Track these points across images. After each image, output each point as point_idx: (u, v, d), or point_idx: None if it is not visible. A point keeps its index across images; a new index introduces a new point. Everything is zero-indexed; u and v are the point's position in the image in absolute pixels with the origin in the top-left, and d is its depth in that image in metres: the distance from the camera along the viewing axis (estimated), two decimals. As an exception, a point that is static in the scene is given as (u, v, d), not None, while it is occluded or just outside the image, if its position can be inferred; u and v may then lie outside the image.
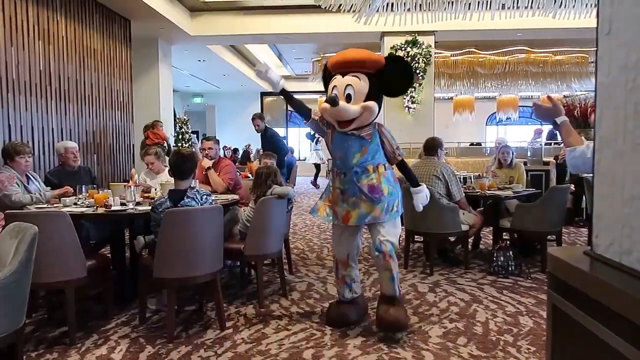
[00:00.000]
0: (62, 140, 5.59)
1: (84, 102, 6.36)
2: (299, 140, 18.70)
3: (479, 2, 6.14)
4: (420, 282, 4.20)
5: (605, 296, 1.09)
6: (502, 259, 4.34)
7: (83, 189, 3.94)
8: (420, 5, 6.32)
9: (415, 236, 4.89)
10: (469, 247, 4.83)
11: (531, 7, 6.20)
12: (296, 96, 3.47)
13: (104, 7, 6.93)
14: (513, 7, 6.32)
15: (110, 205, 3.43)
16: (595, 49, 1.31)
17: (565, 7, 6.11)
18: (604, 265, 1.20)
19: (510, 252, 4.37)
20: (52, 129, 5.68)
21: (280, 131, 16.50)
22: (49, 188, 4.04)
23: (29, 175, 3.97)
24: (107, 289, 3.37)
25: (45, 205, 3.65)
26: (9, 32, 4.98)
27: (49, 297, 3.46)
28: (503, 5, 6.16)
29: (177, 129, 9.69)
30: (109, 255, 4.22)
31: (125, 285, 3.76)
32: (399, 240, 5.62)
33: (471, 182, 5.20)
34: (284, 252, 4.27)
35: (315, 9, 7.49)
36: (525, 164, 6.72)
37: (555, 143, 9.58)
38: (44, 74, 5.54)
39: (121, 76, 7.43)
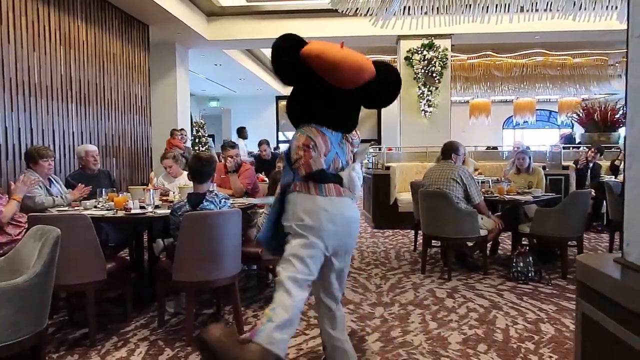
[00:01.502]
0: (82, 143, 5.66)
1: (103, 106, 6.44)
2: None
3: (496, 5, 6.09)
4: (438, 287, 4.16)
5: (637, 305, 1.07)
6: (521, 264, 4.28)
7: (103, 192, 3.99)
8: (437, 8, 6.29)
9: (433, 241, 4.84)
10: (488, 252, 4.77)
11: (550, 10, 6.12)
12: None
13: (123, 12, 7.02)
14: (531, 10, 6.26)
15: (130, 209, 3.46)
16: (626, 50, 1.28)
17: (585, 9, 6.02)
18: (636, 273, 1.18)
19: (530, 258, 4.31)
20: (73, 132, 5.76)
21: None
22: (70, 191, 4.10)
23: (51, 178, 4.03)
24: (127, 291, 3.40)
25: (66, 208, 3.70)
26: (31, 37, 5.07)
27: (70, 299, 3.49)
28: (521, 7, 6.10)
29: (194, 133, 9.76)
30: (128, 257, 4.26)
31: (143, 288, 3.79)
32: (415, 244, 5.62)
33: (489, 187, 5.14)
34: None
35: (331, 12, 7.49)
36: (544, 168, 6.64)
37: (574, 147, 9.45)
38: (65, 79, 5.63)
39: (139, 80, 7.51)
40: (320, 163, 2.24)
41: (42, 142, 5.12)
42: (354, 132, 2.44)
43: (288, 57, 2.20)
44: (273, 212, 2.32)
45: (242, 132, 11.25)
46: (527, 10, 6.22)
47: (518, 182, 5.15)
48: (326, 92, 2.23)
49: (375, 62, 2.28)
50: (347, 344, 2.40)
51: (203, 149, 8.98)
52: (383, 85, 2.31)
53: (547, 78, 12.33)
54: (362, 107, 2.38)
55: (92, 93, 6.20)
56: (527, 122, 15.98)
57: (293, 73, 2.26)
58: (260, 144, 7.71)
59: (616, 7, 5.98)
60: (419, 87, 8.84)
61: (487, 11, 6.13)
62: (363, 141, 11.78)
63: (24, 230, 3.34)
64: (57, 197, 3.86)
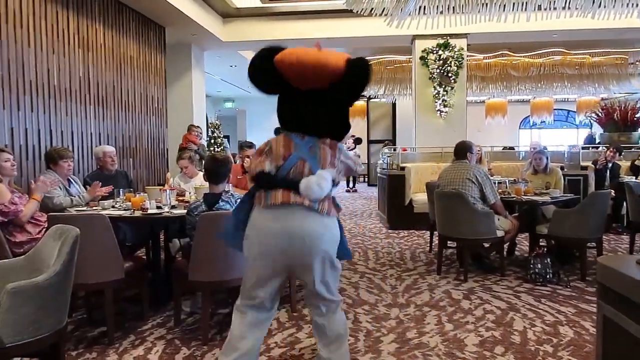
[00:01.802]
0: (100, 144, 5.74)
1: (120, 108, 6.53)
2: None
3: (513, 4, 6.02)
4: (454, 288, 4.12)
5: (662, 308, 1.04)
6: (539, 266, 4.22)
7: (120, 192, 4.04)
8: (452, 7, 6.24)
9: (449, 242, 4.80)
10: (504, 253, 4.72)
11: (568, 8, 6.04)
12: None
13: (140, 14, 7.10)
14: (549, 8, 6.17)
15: (147, 209, 3.50)
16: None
17: (604, 7, 5.92)
18: (660, 275, 1.15)
19: (548, 259, 4.25)
20: (91, 133, 5.85)
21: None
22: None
23: (70, 179, 4.10)
24: (143, 290, 3.44)
25: (84, 208, 3.75)
26: (51, 40, 5.16)
27: (88, 297, 3.54)
28: (539, 6, 6.02)
29: (210, 134, 9.83)
30: (144, 257, 4.31)
31: (160, 287, 3.82)
32: (430, 245, 5.58)
33: (506, 187, 5.08)
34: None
35: (346, 13, 7.49)
36: (562, 168, 6.54)
37: (593, 147, 9.30)
38: (83, 81, 5.71)
39: (156, 82, 7.59)
40: (263, 165, 2.16)
41: (61, 143, 5.21)
42: (347, 140, 2.32)
43: (262, 66, 2.16)
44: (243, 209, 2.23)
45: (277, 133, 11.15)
46: (545, 9, 6.13)
47: (535, 182, 5.08)
48: (292, 96, 2.19)
49: (348, 59, 2.11)
50: None
51: (218, 149, 9.04)
52: (349, 78, 2.11)
53: (565, 77, 12.16)
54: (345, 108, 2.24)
55: (110, 95, 6.28)
56: (544, 122, 15.77)
57: (266, 81, 2.20)
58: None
59: (637, 5, 5.88)
60: (434, 87, 8.79)
61: (504, 10, 6.07)
62: (377, 142, 11.94)
63: (44, 229, 3.40)
64: (75, 197, 3.91)
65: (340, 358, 2.24)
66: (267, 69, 2.13)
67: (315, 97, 2.15)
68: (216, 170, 3.15)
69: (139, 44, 7.06)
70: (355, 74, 2.11)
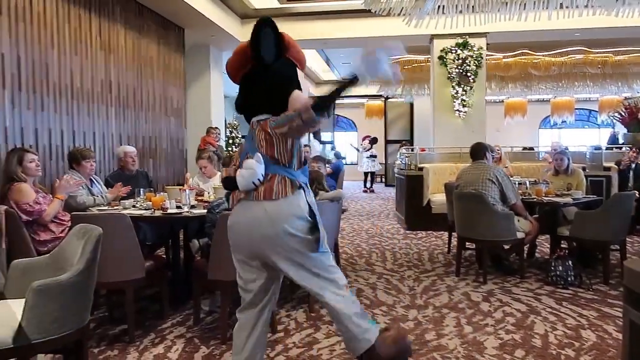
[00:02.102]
0: (121, 145, 5.82)
1: (140, 109, 6.61)
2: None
3: (534, 2, 5.93)
4: (474, 290, 4.08)
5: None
6: (560, 268, 4.15)
7: (141, 192, 4.09)
8: (472, 7, 6.18)
9: (467, 243, 4.75)
10: (524, 255, 4.65)
11: (592, 6, 5.93)
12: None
13: (160, 16, 7.19)
14: (572, 6, 6.06)
15: (167, 208, 3.54)
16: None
17: (628, 4, 5.80)
18: (689, 280, 1.12)
19: (570, 262, 4.17)
20: (112, 134, 5.93)
21: (327, 136, 16.54)
22: (109, 190, 4.21)
23: (92, 179, 4.16)
24: (163, 289, 3.48)
25: (106, 207, 3.81)
26: (74, 42, 5.25)
27: (109, 296, 3.59)
28: (561, 4, 5.92)
29: (228, 134, 9.90)
30: (164, 256, 4.36)
31: (179, 286, 3.86)
32: (449, 246, 5.53)
33: (527, 188, 5.01)
34: (334, 256, 4.25)
35: (364, 13, 7.47)
36: (583, 169, 6.43)
37: (616, 147, 9.12)
38: (105, 82, 5.80)
39: (175, 83, 7.68)
40: (230, 171, 2.23)
41: (83, 144, 5.29)
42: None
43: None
44: None
45: (316, 134, 11.03)
46: (567, 7, 6.02)
47: (557, 183, 5.00)
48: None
49: None
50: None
51: (237, 149, 9.09)
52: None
53: (587, 76, 11.94)
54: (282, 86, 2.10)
55: (130, 96, 6.37)
56: (565, 121, 15.52)
57: None
58: None
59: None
60: (452, 86, 8.71)
61: (524, 8, 5.98)
62: (394, 142, 11.89)
63: (67, 228, 3.46)
64: (97, 196, 3.98)
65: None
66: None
67: (242, 82, 2.20)
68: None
69: (158, 45, 7.14)
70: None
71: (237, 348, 2.16)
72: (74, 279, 2.09)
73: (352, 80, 1.90)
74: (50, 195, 3.59)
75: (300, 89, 2.12)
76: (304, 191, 2.09)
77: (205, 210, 3.40)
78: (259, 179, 2.00)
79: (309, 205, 2.07)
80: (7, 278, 2.44)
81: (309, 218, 2.05)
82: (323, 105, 1.88)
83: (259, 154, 2.02)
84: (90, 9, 5.55)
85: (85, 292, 2.21)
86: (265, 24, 2.06)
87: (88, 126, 5.46)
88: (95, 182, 4.19)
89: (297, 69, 2.17)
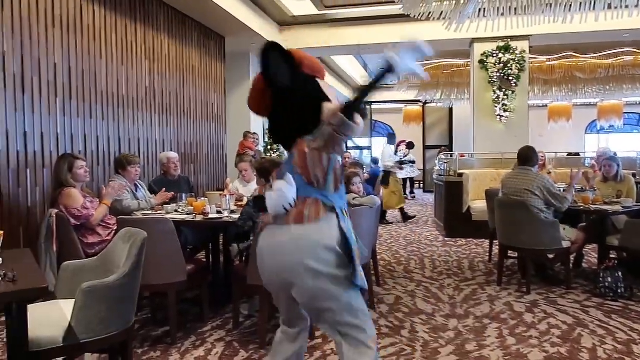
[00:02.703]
0: (164, 151, 5.99)
1: (182, 115, 6.78)
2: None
3: (580, 3, 5.73)
4: (516, 301, 3.96)
5: None
6: (609, 279, 3.98)
7: (183, 197, 4.19)
8: (514, 9, 6.03)
9: (510, 251, 4.63)
10: (571, 265, 4.48)
11: (642, 6, 5.68)
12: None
13: (202, 25, 7.37)
14: (620, 7, 5.82)
15: (208, 213, 3.61)
16: None
17: (682, 3, 5.52)
18: None
19: (619, 273, 3.99)
20: (155, 140, 6.11)
21: (364, 141, 16.48)
22: (153, 195, 4.34)
23: (137, 184, 4.30)
24: (204, 292, 3.54)
25: (150, 212, 3.92)
26: (120, 52, 5.45)
27: (152, 298, 3.69)
28: (609, 4, 5.70)
29: (266, 140, 10.01)
30: (204, 260, 4.44)
31: (219, 290, 3.93)
32: (490, 254, 5.40)
33: (573, 196, 4.82)
34: (371, 263, 4.23)
35: (402, 17, 7.41)
36: (634, 176, 6.15)
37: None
38: (149, 90, 5.99)
39: (216, 90, 7.84)
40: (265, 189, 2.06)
41: (128, 150, 5.48)
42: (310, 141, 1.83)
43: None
44: None
45: (391, 138, 10.45)
46: (615, 7, 5.80)
47: (605, 191, 4.80)
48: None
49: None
50: None
51: (275, 154, 9.18)
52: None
53: (637, 79, 11.43)
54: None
55: (173, 103, 6.55)
56: (613, 126, 14.90)
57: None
58: None
59: None
60: (493, 91, 8.52)
61: (569, 10, 5.79)
62: (433, 147, 11.66)
63: (113, 232, 3.58)
64: (142, 201, 4.10)
65: None
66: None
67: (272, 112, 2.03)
68: (267, 169, 3.23)
69: (200, 53, 7.32)
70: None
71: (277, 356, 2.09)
72: (120, 281, 2.16)
73: (383, 73, 1.72)
74: (98, 200, 3.72)
75: (328, 99, 1.93)
76: (338, 216, 1.85)
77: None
78: (290, 204, 1.81)
79: (342, 233, 1.82)
80: (58, 279, 2.55)
81: (339, 249, 1.79)
82: (354, 106, 1.73)
83: (290, 175, 1.83)
84: (136, 20, 5.75)
85: (131, 294, 2.27)
86: (270, 49, 1.91)
87: (133, 132, 5.65)
88: (139, 187, 4.32)
89: (318, 79, 2.00)
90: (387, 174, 8.65)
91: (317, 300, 1.82)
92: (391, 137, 10.45)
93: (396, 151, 10.51)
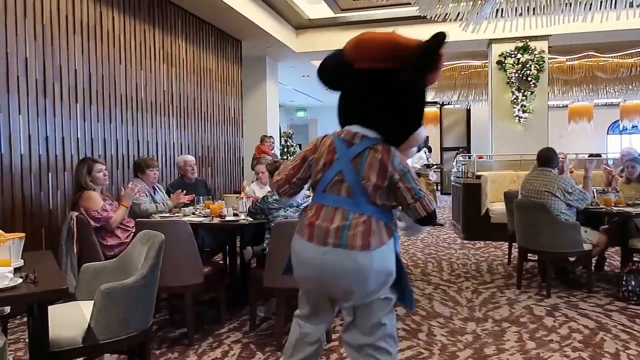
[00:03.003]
0: (182, 154, 6.05)
1: (200, 119, 6.85)
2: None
3: (601, 2, 5.63)
4: (536, 304, 3.90)
5: None
6: (633, 283, 3.89)
7: (200, 199, 4.23)
8: (533, 9, 5.95)
9: (529, 254, 4.55)
10: (592, 268, 4.39)
11: (665, 3, 5.56)
12: None
13: (219, 29, 7.44)
14: (643, 4, 5.71)
15: (225, 216, 3.63)
16: None
17: None
18: None
19: (643, 276, 3.90)
20: (173, 143, 6.18)
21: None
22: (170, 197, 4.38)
23: (155, 186, 4.35)
24: (221, 294, 3.56)
25: (167, 214, 3.96)
26: (139, 57, 5.53)
27: (170, 299, 3.72)
28: (631, 3, 5.58)
29: (283, 142, 10.05)
30: (221, 262, 4.47)
31: (236, 292, 3.94)
32: (509, 257, 5.32)
33: (594, 197, 4.73)
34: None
35: (418, 19, 7.37)
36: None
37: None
38: (167, 94, 6.06)
39: (232, 93, 7.90)
40: (285, 177, 1.96)
41: (146, 153, 5.55)
42: (408, 148, 1.83)
43: (335, 61, 1.95)
44: None
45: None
46: (638, 6, 5.68)
47: (628, 192, 4.70)
48: (355, 81, 1.86)
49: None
50: None
51: (291, 158, 9.23)
52: (421, 49, 1.73)
53: (661, 78, 11.18)
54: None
55: (191, 107, 6.61)
56: (636, 126, 14.60)
57: (335, 73, 1.96)
58: None
59: None
60: (512, 92, 8.43)
61: (589, 9, 5.69)
62: (450, 149, 11.55)
63: (132, 234, 3.63)
64: (160, 204, 4.14)
65: None
66: (339, 62, 1.91)
67: (381, 79, 1.81)
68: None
69: (217, 57, 7.39)
70: (428, 45, 1.73)
71: (293, 352, 2.03)
72: (138, 283, 2.19)
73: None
74: (116, 203, 3.77)
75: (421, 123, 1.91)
76: (395, 240, 1.83)
77: (261, 221, 3.45)
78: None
79: (396, 256, 1.81)
80: (78, 281, 2.59)
81: (394, 273, 1.80)
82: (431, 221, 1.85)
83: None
84: (154, 25, 5.83)
85: (149, 296, 2.30)
86: (441, 43, 1.72)
87: (151, 136, 5.72)
88: (157, 189, 4.37)
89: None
90: (417, 175, 8.61)
91: (365, 316, 1.83)
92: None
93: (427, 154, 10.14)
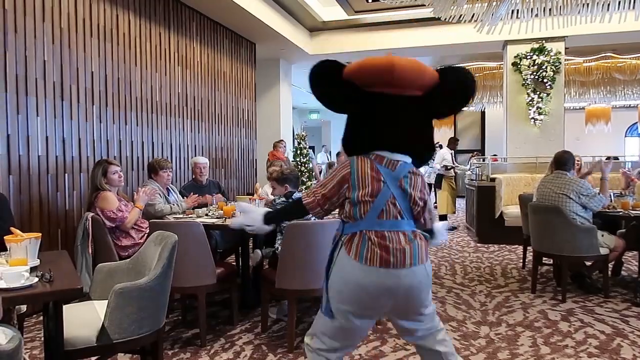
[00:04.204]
0: (196, 155, 6.10)
1: (214, 121, 6.90)
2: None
3: (619, 2, 5.54)
4: (551, 309, 3.85)
5: None
6: (651, 288, 3.82)
7: (213, 201, 4.25)
8: (549, 9, 5.88)
9: (544, 258, 4.49)
10: (609, 273, 4.32)
11: (685, 3, 5.45)
12: None
13: (233, 32, 7.49)
14: (662, 5, 5.61)
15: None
16: None
17: None
18: None
19: (662, 282, 3.83)
20: (187, 145, 6.23)
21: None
22: (184, 199, 4.41)
23: (169, 188, 4.39)
24: (233, 296, 3.58)
25: (181, 216, 3.99)
26: (154, 59, 5.59)
27: (183, 300, 3.75)
28: (650, 3, 5.49)
29: (295, 145, 10.06)
30: (234, 263, 4.49)
31: (248, 293, 3.96)
32: (524, 261, 5.26)
33: (612, 201, 4.66)
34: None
35: (432, 21, 7.36)
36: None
37: None
38: (181, 96, 6.12)
39: (246, 96, 7.95)
40: (322, 199, 1.89)
41: (161, 155, 5.60)
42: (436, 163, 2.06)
43: (330, 80, 1.97)
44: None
45: (451, 142, 9.49)
46: (657, 5, 5.58)
47: (645, 196, 4.62)
48: (379, 105, 1.86)
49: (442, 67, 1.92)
50: None
51: (304, 160, 9.23)
52: (456, 85, 1.86)
53: (681, 80, 10.96)
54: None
55: (205, 109, 6.66)
56: (655, 129, 14.35)
57: (339, 96, 1.99)
58: (338, 154, 7.55)
59: None
60: (527, 93, 8.33)
61: (607, 9, 5.61)
62: (465, 151, 11.42)
63: (145, 235, 3.66)
64: (173, 205, 4.18)
65: None
66: (335, 84, 1.96)
67: (407, 105, 1.85)
68: (287, 176, 3.54)
69: (231, 60, 7.43)
70: (460, 80, 1.87)
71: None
72: (151, 283, 2.21)
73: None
74: (131, 204, 3.81)
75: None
76: None
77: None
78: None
79: None
80: (93, 280, 2.62)
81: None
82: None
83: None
84: (169, 28, 5.89)
85: (162, 296, 2.32)
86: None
87: (166, 138, 5.77)
88: (171, 191, 4.41)
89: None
90: (440, 177, 8.59)
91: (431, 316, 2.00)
92: (451, 141, 9.49)
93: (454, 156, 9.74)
